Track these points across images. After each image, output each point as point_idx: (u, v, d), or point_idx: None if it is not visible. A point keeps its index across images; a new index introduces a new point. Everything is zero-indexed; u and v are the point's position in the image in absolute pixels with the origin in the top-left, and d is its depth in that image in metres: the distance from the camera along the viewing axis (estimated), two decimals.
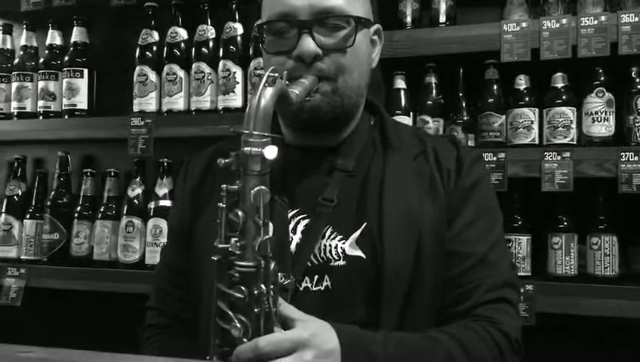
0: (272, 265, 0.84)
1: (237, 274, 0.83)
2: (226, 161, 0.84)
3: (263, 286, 0.83)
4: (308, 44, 0.96)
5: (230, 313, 0.83)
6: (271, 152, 0.84)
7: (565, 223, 1.63)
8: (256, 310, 0.83)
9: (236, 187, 0.84)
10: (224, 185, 0.85)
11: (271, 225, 0.97)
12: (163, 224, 1.81)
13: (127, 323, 1.93)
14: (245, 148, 0.83)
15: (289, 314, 0.87)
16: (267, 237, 0.83)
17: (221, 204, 0.85)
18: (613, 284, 1.53)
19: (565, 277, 1.60)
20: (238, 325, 0.82)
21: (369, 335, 0.90)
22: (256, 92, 0.86)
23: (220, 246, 0.85)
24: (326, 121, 1.01)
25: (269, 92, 0.86)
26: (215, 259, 0.85)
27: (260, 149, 0.83)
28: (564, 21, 1.59)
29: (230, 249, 0.84)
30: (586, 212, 1.64)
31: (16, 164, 2.10)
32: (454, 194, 1.03)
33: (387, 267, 0.96)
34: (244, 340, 0.82)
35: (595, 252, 1.59)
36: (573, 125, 1.62)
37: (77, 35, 1.99)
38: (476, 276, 0.99)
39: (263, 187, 0.83)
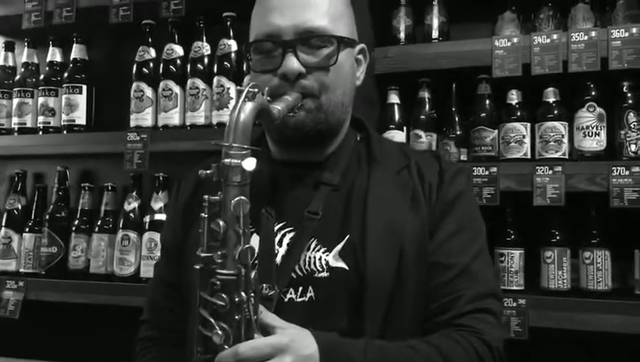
0: (253, 274, 0.87)
1: (218, 282, 0.85)
2: (208, 172, 0.87)
3: (243, 293, 0.85)
4: (292, 62, 1.00)
5: (212, 320, 0.85)
6: (250, 164, 0.86)
7: (558, 237, 1.63)
8: (237, 317, 0.85)
9: (217, 198, 0.87)
10: (206, 196, 0.88)
11: (255, 236, 1.01)
12: (158, 238, 1.83)
13: (123, 336, 1.95)
14: (225, 160, 0.86)
15: (269, 322, 0.89)
16: (247, 246, 0.85)
17: (203, 214, 0.88)
18: (606, 299, 1.52)
19: (558, 292, 1.59)
20: (220, 332, 0.84)
21: (349, 342, 0.92)
22: (236, 106, 0.89)
23: (202, 254, 0.87)
24: (310, 136, 1.04)
25: (249, 106, 0.89)
26: (197, 267, 0.88)
27: (239, 161, 0.86)
28: (554, 36, 1.60)
29: (212, 257, 0.86)
30: (579, 226, 1.64)
31: (16, 178, 2.13)
32: (436, 206, 1.05)
33: (369, 278, 0.97)
34: (226, 347, 0.84)
35: (587, 266, 1.59)
36: (565, 140, 1.63)
37: (76, 52, 2.03)
38: (458, 286, 1.00)
39: (242, 197, 0.86)
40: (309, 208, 1.03)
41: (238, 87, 0.93)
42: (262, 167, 1.09)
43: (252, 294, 0.86)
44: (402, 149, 1.14)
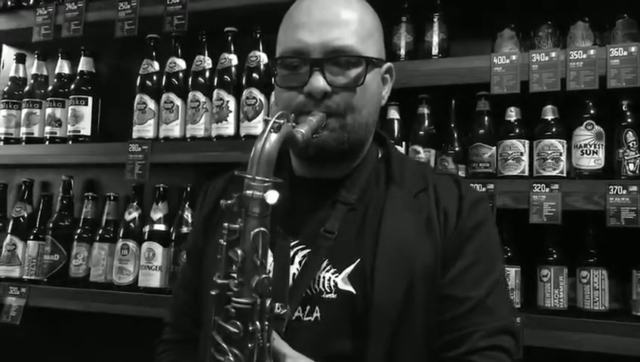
0: (268, 303, 0.87)
1: (233, 310, 0.86)
2: (229, 202, 0.87)
3: (258, 323, 0.85)
4: (318, 81, 0.98)
5: (225, 346, 0.85)
6: (272, 197, 0.86)
7: (555, 256, 1.62)
8: (249, 345, 0.85)
9: (237, 226, 0.87)
10: (226, 223, 0.87)
11: (270, 260, 1.00)
12: (156, 247, 1.86)
13: (121, 344, 1.97)
14: (247, 192, 0.86)
15: (280, 349, 0.89)
16: (265, 276, 0.85)
17: (222, 241, 0.88)
18: (603, 319, 1.50)
19: (555, 311, 1.58)
20: (232, 358, 0.84)
21: None
22: (261, 137, 0.88)
23: (219, 281, 0.88)
24: (332, 155, 1.02)
25: (274, 138, 0.88)
26: (213, 293, 0.88)
27: (261, 193, 0.86)
28: (553, 54, 1.60)
29: (228, 284, 0.87)
30: (576, 245, 1.62)
31: (23, 186, 2.18)
32: (453, 235, 1.01)
33: (376, 304, 0.96)
34: None
35: (584, 286, 1.57)
36: (563, 157, 1.62)
37: (84, 64, 2.08)
38: (472, 321, 0.97)
39: (263, 228, 0.86)
40: (325, 227, 1.01)
41: (265, 118, 0.92)
42: (282, 183, 1.11)
43: (266, 323, 0.86)
44: (422, 171, 1.11)
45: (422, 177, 1.08)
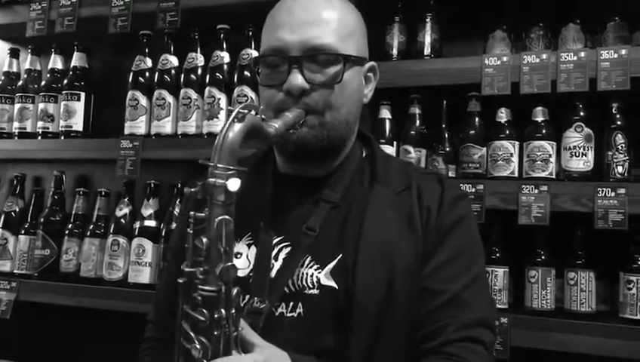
0: (235, 291, 0.88)
1: (199, 298, 0.87)
2: (193, 190, 0.88)
3: (223, 310, 0.86)
4: (296, 79, 1.00)
5: (192, 334, 0.87)
6: (233, 185, 0.87)
7: (543, 257, 1.62)
8: (216, 333, 0.86)
9: (203, 214, 0.88)
10: (192, 212, 0.89)
11: (253, 248, 1.02)
12: (146, 244, 1.86)
13: (111, 340, 1.97)
14: (210, 180, 0.87)
15: (249, 339, 0.90)
16: (229, 264, 0.86)
17: (189, 230, 0.89)
18: (589, 321, 1.51)
19: (542, 312, 1.58)
20: (199, 346, 0.86)
21: None
22: (224, 127, 0.90)
23: (186, 269, 0.89)
24: (312, 152, 1.04)
25: (237, 127, 0.89)
26: (180, 281, 0.89)
27: (223, 181, 0.87)
28: (544, 56, 1.61)
29: (195, 272, 0.88)
30: (564, 246, 1.63)
31: (15, 181, 2.18)
32: (433, 232, 1.03)
33: (358, 299, 0.97)
34: (204, 361, 0.85)
35: (571, 287, 1.58)
36: (552, 159, 1.62)
37: (77, 60, 2.08)
38: (447, 314, 0.98)
39: (227, 216, 0.87)
40: (307, 224, 1.03)
41: (229, 108, 0.94)
42: (266, 178, 1.11)
43: (233, 311, 0.87)
44: (406, 170, 1.13)
45: (406, 176, 1.10)
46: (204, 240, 0.86)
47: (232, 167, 0.87)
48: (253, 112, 0.91)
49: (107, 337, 2.01)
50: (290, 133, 0.98)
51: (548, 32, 1.71)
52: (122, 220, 1.94)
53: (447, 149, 1.75)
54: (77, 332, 2.10)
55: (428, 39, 1.80)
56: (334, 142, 1.05)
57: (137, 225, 1.90)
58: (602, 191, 1.51)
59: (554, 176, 1.62)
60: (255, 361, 0.86)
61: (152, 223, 1.88)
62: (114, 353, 1.89)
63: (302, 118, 1.00)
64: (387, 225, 1.03)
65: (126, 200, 1.96)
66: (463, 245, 1.05)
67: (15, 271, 2.07)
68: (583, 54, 1.57)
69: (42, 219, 2.05)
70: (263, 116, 0.93)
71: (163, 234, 1.88)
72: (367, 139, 1.17)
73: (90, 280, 1.94)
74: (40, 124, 2.09)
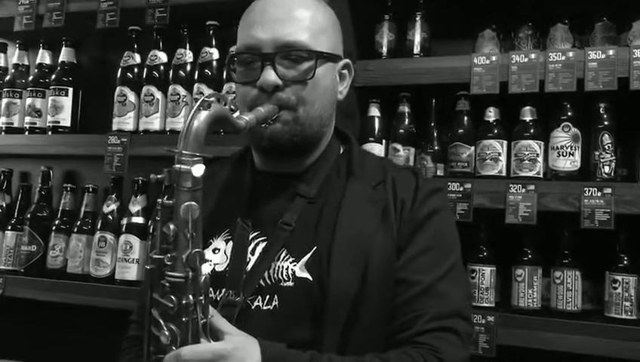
0: (203, 278, 0.89)
1: (167, 284, 0.88)
2: (159, 176, 0.90)
3: (191, 296, 0.87)
4: (269, 75, 1.02)
5: (161, 321, 0.88)
6: (198, 170, 0.89)
7: (529, 256, 1.63)
8: (184, 319, 0.87)
9: (171, 202, 0.89)
10: (159, 200, 0.90)
11: (230, 243, 1.03)
12: (134, 240, 1.86)
13: (97, 337, 1.96)
14: (175, 166, 0.89)
15: (220, 327, 0.91)
16: (196, 250, 0.88)
17: (157, 217, 0.90)
18: (575, 320, 1.52)
19: (528, 310, 1.59)
20: (167, 333, 0.87)
21: (295, 354, 0.93)
22: (189, 114, 0.92)
23: (154, 256, 0.90)
24: (285, 148, 1.06)
25: (203, 115, 0.91)
26: (148, 268, 0.90)
27: (188, 167, 0.88)
28: (532, 56, 1.61)
29: (163, 259, 0.89)
30: (551, 245, 1.64)
31: (2, 176, 2.17)
32: (407, 223, 1.05)
33: (332, 290, 0.99)
34: (173, 348, 0.86)
35: (558, 286, 1.59)
36: (540, 158, 1.63)
37: (65, 55, 2.07)
38: (422, 304, 1.00)
39: (193, 202, 0.88)
40: (283, 219, 1.05)
41: (195, 97, 0.96)
42: (244, 176, 1.13)
43: (201, 298, 0.88)
44: (382, 164, 1.15)
45: (381, 170, 1.12)
46: (171, 226, 0.88)
47: (197, 154, 0.89)
48: (222, 102, 0.93)
49: (93, 333, 2.00)
50: (262, 127, 1.01)
51: (537, 32, 1.71)
52: (110, 216, 1.93)
53: (436, 148, 1.76)
54: (63, 328, 2.09)
55: (417, 38, 1.80)
56: (308, 137, 1.07)
57: (125, 221, 1.89)
58: (589, 190, 1.51)
59: (541, 176, 1.63)
60: (222, 349, 0.87)
61: (139, 220, 1.87)
62: (100, 349, 1.87)
63: (275, 114, 1.02)
64: (362, 218, 1.04)
65: (114, 196, 1.95)
66: (438, 236, 1.06)
67: (1, 267, 2.05)
68: (571, 54, 1.58)
69: (29, 215, 2.03)
70: (232, 107, 0.95)
71: (151, 230, 1.87)
72: (346, 136, 1.19)
73: (77, 277, 1.93)
74: (27, 119, 2.08)
